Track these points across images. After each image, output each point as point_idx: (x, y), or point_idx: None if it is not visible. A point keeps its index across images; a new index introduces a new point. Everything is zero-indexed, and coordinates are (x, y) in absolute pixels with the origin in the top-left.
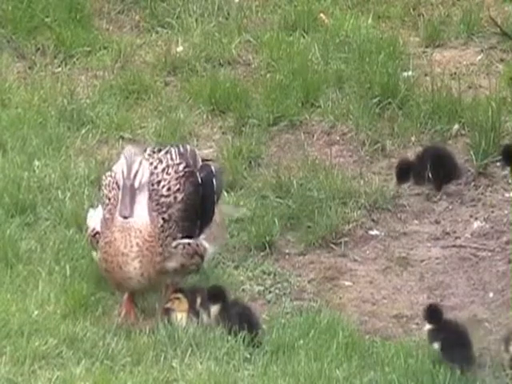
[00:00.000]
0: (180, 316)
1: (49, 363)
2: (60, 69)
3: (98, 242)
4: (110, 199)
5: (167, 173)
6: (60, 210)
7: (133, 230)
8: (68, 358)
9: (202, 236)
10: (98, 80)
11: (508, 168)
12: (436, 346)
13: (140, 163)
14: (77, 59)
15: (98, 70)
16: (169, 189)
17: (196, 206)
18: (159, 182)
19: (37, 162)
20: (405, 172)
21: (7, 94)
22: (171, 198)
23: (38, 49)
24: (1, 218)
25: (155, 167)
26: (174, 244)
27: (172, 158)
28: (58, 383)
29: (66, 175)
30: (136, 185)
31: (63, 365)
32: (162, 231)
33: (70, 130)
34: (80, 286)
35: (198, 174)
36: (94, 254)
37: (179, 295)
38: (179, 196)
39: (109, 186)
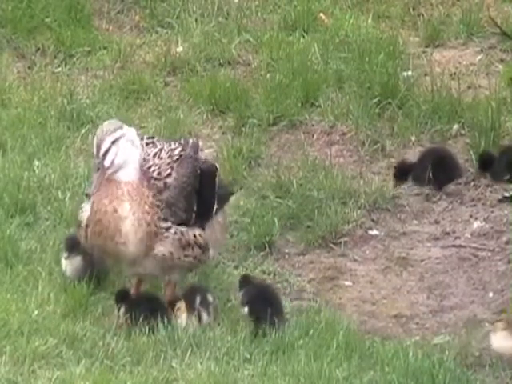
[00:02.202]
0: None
1: (49, 363)
2: (60, 69)
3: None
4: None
5: (159, 157)
6: (60, 209)
7: (120, 184)
8: (68, 358)
9: (201, 230)
10: (98, 80)
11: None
12: (245, 309)
13: (112, 142)
14: (77, 59)
15: (98, 69)
16: (159, 173)
17: (190, 194)
18: (150, 167)
19: (37, 162)
20: (403, 173)
21: (7, 94)
22: (162, 183)
23: (38, 49)
24: (1, 218)
25: (148, 153)
26: (164, 225)
27: (169, 144)
28: (57, 383)
29: (65, 175)
30: (106, 164)
31: (63, 365)
32: (154, 198)
33: (69, 130)
34: (80, 285)
35: (196, 161)
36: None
37: (179, 305)
38: (170, 180)
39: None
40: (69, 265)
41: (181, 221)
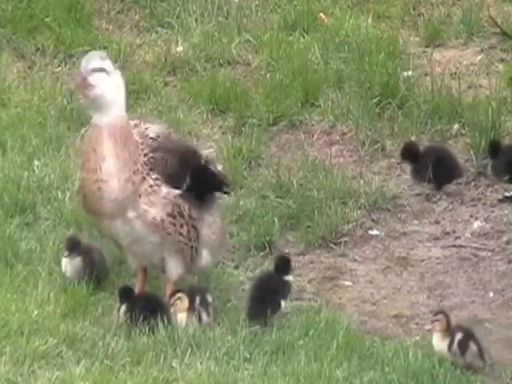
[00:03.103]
0: (180, 316)
1: (49, 363)
2: (60, 69)
3: None
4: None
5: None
6: (60, 209)
7: (104, 127)
8: (68, 358)
9: (193, 208)
10: None
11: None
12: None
13: (102, 69)
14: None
15: None
16: (156, 135)
17: (185, 161)
18: (147, 128)
19: (36, 162)
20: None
21: (7, 94)
22: (156, 143)
23: (38, 49)
24: (1, 218)
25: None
26: (155, 181)
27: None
28: (57, 383)
29: (65, 175)
30: (90, 80)
31: (63, 365)
32: (139, 148)
33: (69, 130)
34: (80, 285)
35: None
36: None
37: (180, 295)
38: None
39: None
40: (69, 265)
41: (172, 183)
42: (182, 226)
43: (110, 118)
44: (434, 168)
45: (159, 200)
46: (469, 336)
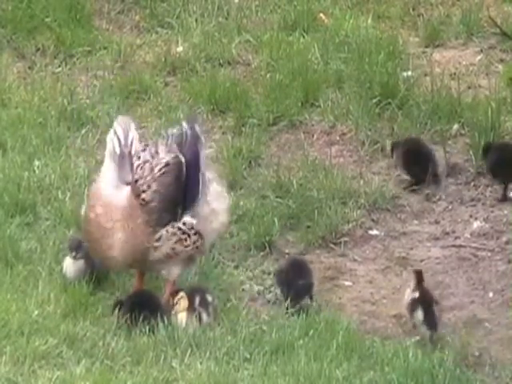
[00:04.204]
0: (180, 316)
1: (49, 363)
2: (60, 69)
3: None
4: None
5: (142, 168)
6: (60, 209)
7: (114, 204)
8: (68, 358)
9: (188, 217)
10: (98, 80)
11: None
12: None
13: (134, 132)
14: (77, 59)
15: (98, 69)
16: (148, 186)
17: (176, 194)
18: (136, 181)
19: (37, 162)
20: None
21: (7, 94)
22: (148, 196)
23: (38, 49)
24: (1, 218)
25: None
26: (157, 236)
27: (156, 152)
28: (57, 383)
29: (65, 175)
30: (132, 152)
31: (63, 364)
32: (144, 215)
33: (69, 130)
34: (80, 285)
35: (181, 157)
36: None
37: (181, 294)
38: (151, 194)
39: None
40: (72, 266)
41: (170, 220)
42: (186, 240)
43: (124, 196)
44: (410, 163)
45: (166, 244)
46: None
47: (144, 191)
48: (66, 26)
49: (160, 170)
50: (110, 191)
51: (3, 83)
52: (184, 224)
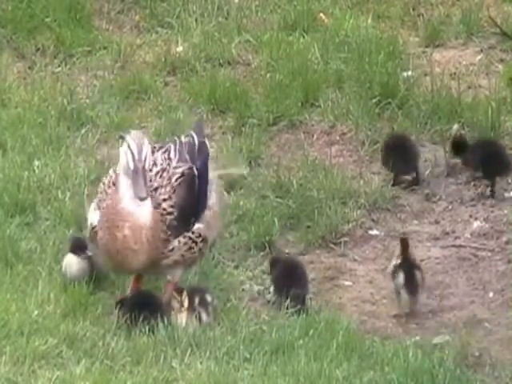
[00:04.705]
0: (180, 316)
1: (49, 363)
2: (60, 69)
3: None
4: (108, 195)
5: (161, 176)
6: (60, 210)
7: (142, 225)
8: (68, 358)
9: (197, 225)
10: (98, 80)
11: None
12: None
13: (148, 146)
14: (77, 59)
15: (98, 69)
16: (169, 197)
17: (190, 206)
18: (156, 189)
19: (37, 162)
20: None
21: (7, 94)
22: (168, 207)
23: (38, 49)
24: (1, 218)
25: (150, 169)
26: (170, 247)
27: (169, 158)
28: (57, 383)
29: (65, 175)
30: (146, 167)
31: (63, 364)
32: (162, 228)
33: (69, 130)
34: (80, 285)
35: (194, 168)
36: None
37: (186, 293)
38: (170, 205)
39: (109, 182)
40: (76, 265)
41: (184, 231)
42: (194, 247)
43: (147, 213)
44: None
45: (176, 253)
46: None
47: (165, 200)
48: (65, 26)
49: (177, 180)
50: (135, 210)
51: (3, 83)
52: (193, 233)
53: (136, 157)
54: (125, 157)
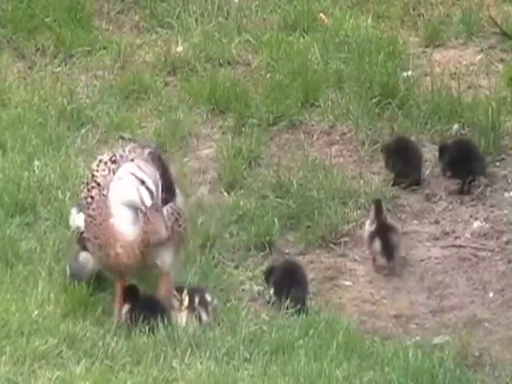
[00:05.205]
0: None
1: (49, 363)
2: (60, 69)
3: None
4: (92, 198)
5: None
6: (60, 210)
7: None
8: (68, 358)
9: (178, 199)
10: (98, 80)
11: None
12: None
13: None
14: (77, 59)
15: (98, 69)
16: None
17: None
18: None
19: (37, 162)
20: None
21: (7, 94)
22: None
23: (38, 49)
24: (1, 218)
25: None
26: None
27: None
28: (57, 383)
29: (65, 175)
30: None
31: (63, 364)
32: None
33: (69, 130)
34: (80, 285)
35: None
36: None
37: (184, 293)
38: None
39: (89, 184)
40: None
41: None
42: (179, 219)
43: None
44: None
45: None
46: None
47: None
48: (66, 26)
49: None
50: (126, 230)
51: (3, 83)
52: (175, 204)
53: (154, 194)
54: (137, 193)
